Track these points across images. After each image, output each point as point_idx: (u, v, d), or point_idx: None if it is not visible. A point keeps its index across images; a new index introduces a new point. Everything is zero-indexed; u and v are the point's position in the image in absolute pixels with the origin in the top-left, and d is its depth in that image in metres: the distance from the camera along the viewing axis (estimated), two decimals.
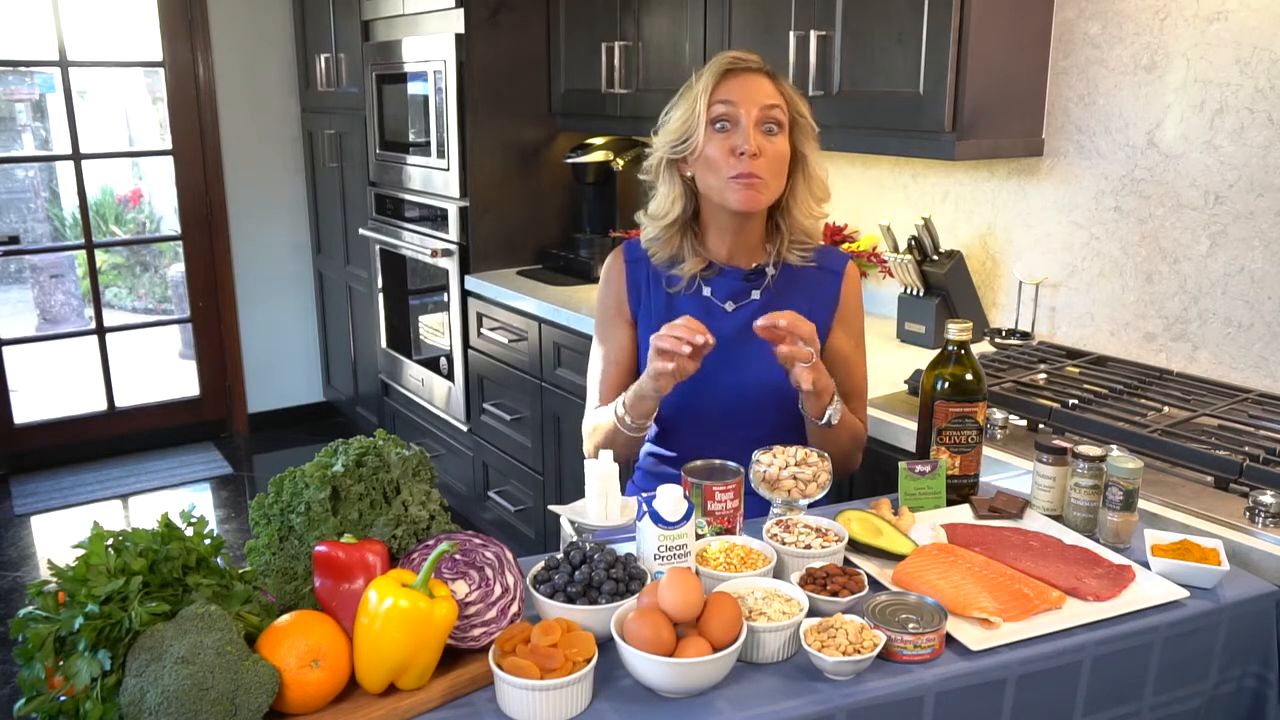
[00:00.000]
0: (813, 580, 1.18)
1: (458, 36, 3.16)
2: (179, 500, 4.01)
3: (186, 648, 0.93)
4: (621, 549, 1.18)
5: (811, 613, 1.12)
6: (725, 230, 1.62)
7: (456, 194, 3.30)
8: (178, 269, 5.34)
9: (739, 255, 1.64)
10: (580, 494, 1.32)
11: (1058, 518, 1.44)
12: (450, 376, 3.45)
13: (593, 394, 1.71)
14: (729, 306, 1.63)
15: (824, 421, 1.53)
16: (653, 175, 1.64)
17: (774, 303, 1.61)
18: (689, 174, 1.59)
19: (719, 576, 1.18)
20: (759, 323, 1.42)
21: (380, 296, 3.91)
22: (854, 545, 1.30)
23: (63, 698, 0.94)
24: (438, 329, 3.52)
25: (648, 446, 1.76)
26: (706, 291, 1.64)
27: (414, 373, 3.72)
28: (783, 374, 1.52)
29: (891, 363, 2.15)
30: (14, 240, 4.26)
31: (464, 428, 3.44)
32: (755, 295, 1.63)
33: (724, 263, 1.64)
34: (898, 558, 1.29)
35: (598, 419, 1.64)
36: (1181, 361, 2.08)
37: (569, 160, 3.27)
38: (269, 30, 4.34)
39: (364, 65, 3.76)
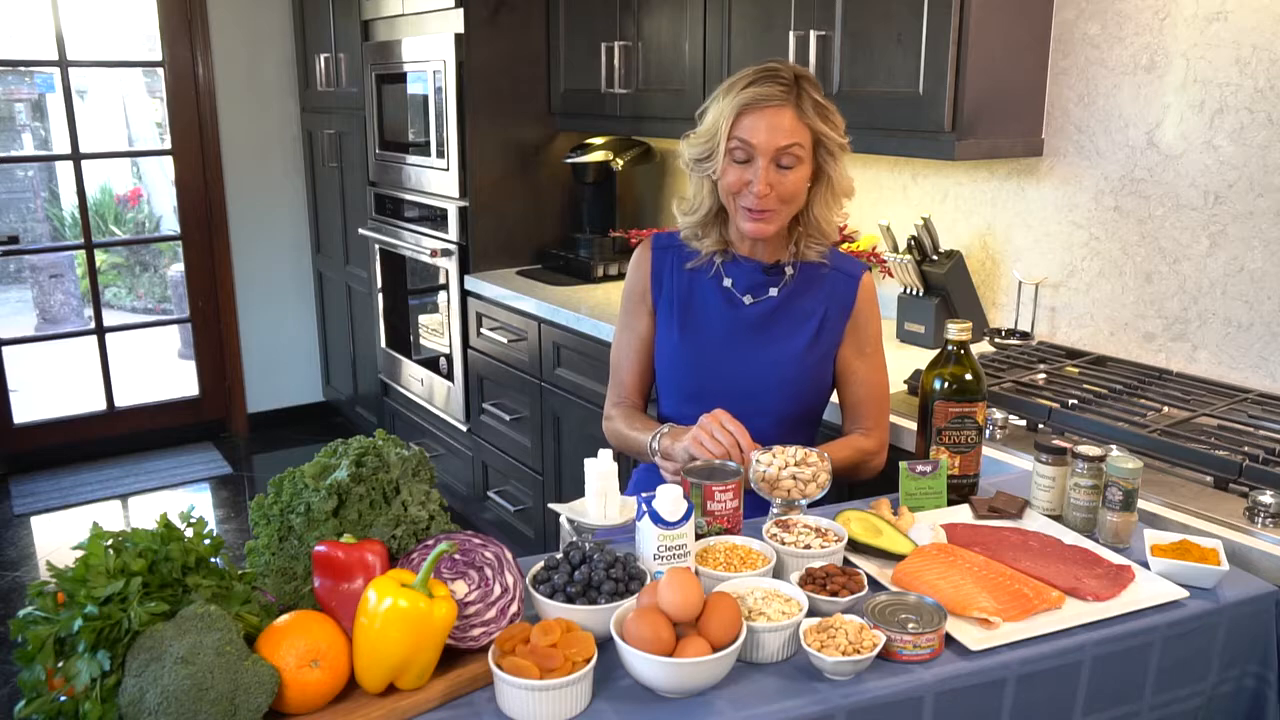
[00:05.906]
0: (812, 580, 1.18)
1: (457, 36, 3.15)
2: (178, 500, 4.01)
3: (186, 648, 0.93)
4: (621, 549, 1.18)
5: (811, 613, 1.12)
6: (746, 232, 1.67)
7: (456, 194, 3.29)
8: (177, 269, 5.34)
9: (760, 250, 1.69)
10: (580, 494, 1.32)
11: (1057, 518, 1.44)
12: (450, 376, 3.45)
13: (614, 379, 1.80)
14: (747, 300, 1.69)
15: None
16: (686, 169, 1.69)
17: (791, 300, 1.68)
18: (715, 179, 1.64)
19: (719, 576, 1.18)
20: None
21: (380, 296, 3.91)
22: (854, 545, 1.30)
23: (63, 698, 0.94)
24: (437, 329, 3.51)
25: None
26: (727, 282, 1.70)
27: (413, 373, 3.72)
28: (791, 367, 1.62)
29: (891, 363, 2.14)
30: (14, 240, 4.26)
31: (463, 428, 3.44)
32: (773, 292, 1.69)
33: (746, 255, 1.70)
34: (897, 558, 1.29)
35: (625, 432, 1.72)
36: (1181, 361, 2.07)
37: (569, 160, 3.27)
38: (269, 30, 4.34)
39: (364, 65, 3.76)
